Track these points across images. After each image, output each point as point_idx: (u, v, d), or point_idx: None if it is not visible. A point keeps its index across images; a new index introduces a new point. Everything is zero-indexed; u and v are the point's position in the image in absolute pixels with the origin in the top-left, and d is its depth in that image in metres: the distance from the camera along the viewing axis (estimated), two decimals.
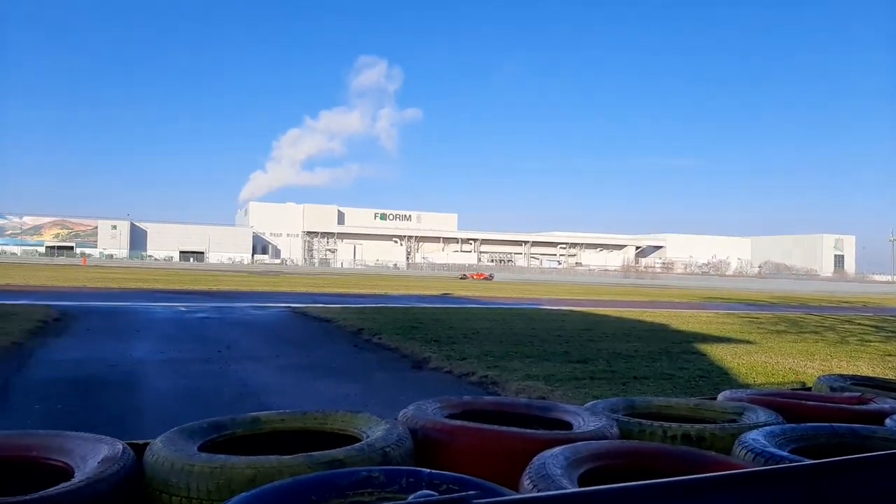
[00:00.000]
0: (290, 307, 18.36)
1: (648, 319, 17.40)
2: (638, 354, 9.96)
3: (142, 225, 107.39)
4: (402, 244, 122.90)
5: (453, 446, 1.76)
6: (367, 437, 1.76)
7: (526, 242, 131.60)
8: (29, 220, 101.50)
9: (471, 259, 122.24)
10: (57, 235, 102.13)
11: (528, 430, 1.83)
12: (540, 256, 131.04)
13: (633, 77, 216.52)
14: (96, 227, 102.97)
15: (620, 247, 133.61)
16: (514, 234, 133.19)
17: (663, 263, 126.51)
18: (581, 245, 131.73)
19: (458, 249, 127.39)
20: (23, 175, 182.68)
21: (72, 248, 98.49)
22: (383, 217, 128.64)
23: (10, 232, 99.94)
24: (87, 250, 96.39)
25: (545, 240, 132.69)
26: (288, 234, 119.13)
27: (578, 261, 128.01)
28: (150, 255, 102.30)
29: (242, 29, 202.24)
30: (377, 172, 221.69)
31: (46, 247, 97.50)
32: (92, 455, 1.50)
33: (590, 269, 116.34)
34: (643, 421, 2.06)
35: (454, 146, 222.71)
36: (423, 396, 2.28)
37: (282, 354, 9.67)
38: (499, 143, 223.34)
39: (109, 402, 6.32)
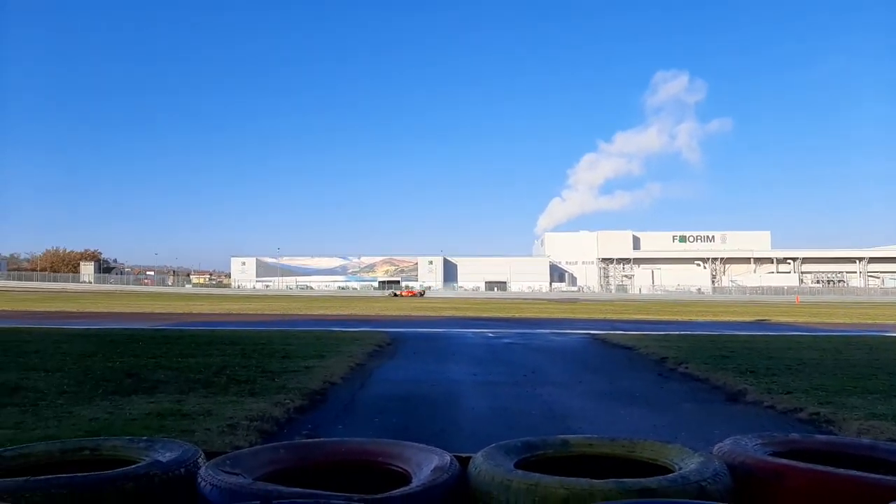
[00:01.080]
0: (589, 334, 18.41)
1: None
2: None
3: (453, 259, 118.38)
4: (705, 267, 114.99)
5: (779, 487, 1.58)
6: (680, 468, 1.68)
7: (861, 259, 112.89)
8: (365, 260, 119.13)
9: (790, 281, 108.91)
10: (386, 271, 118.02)
11: (875, 475, 1.56)
12: (881, 274, 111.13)
13: None
14: (416, 263, 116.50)
15: None
16: (844, 250, 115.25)
17: None
18: None
19: (774, 270, 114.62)
20: (361, 225, 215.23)
21: (398, 281, 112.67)
22: (682, 239, 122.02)
23: (351, 270, 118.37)
24: (411, 283, 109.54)
25: (887, 255, 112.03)
26: (583, 262, 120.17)
27: None
28: (460, 286, 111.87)
29: (529, 54, 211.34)
30: (679, 191, 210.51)
31: (379, 281, 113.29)
32: (426, 463, 1.69)
33: None
34: None
35: (765, 157, 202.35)
36: (739, 432, 2.10)
37: (584, 381, 9.72)
38: (815, 147, 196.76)
39: (433, 418, 7.02)
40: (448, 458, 1.71)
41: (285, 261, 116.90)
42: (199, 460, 1.67)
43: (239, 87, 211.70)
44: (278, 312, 31.12)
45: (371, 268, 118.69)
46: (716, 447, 1.89)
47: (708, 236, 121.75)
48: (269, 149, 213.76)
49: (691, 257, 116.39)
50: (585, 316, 30.03)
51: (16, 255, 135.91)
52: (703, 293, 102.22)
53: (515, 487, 1.50)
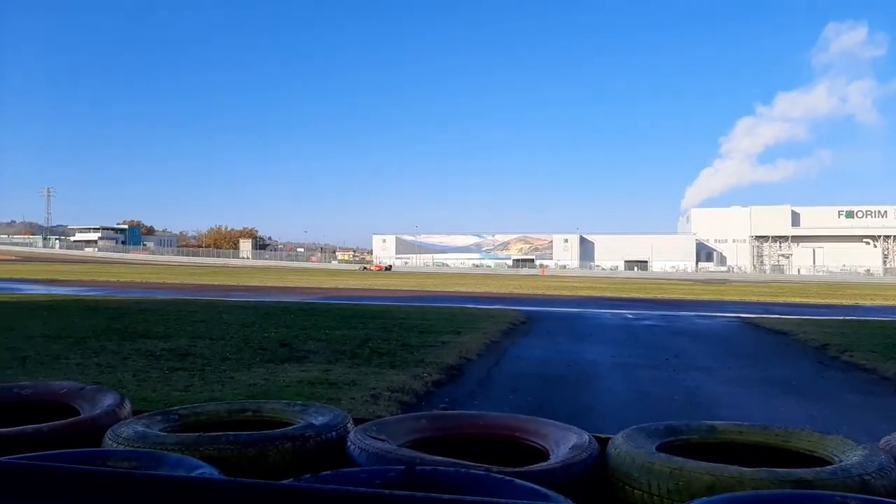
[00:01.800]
0: (739, 317, 17.32)
1: None
2: None
3: (590, 237, 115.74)
4: (875, 245, 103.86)
5: None
6: (840, 461, 1.55)
7: None
8: (500, 238, 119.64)
9: None
10: (520, 250, 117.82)
11: None
12: None
13: None
14: (551, 241, 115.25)
15: None
16: None
17: None
18: None
19: None
20: (496, 203, 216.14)
21: (532, 260, 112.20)
22: (849, 215, 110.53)
23: (485, 248, 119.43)
24: (545, 262, 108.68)
25: None
26: (734, 240, 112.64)
27: None
28: (597, 265, 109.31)
29: (674, 3, 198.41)
30: (849, 160, 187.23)
31: (513, 260, 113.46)
32: (563, 441, 1.69)
33: None
34: None
35: None
36: None
37: (732, 367, 9.18)
38: None
39: (569, 397, 6.97)
40: (587, 437, 1.69)
41: (423, 238, 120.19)
42: (349, 425, 1.77)
43: (381, 74, 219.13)
44: (416, 288, 32.15)
45: (505, 246, 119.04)
46: (883, 440, 1.72)
47: (880, 211, 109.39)
48: (411, 131, 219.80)
49: (859, 234, 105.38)
50: (735, 298, 28.27)
51: (184, 233, 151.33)
52: (872, 275, 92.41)
53: (657, 470, 1.46)
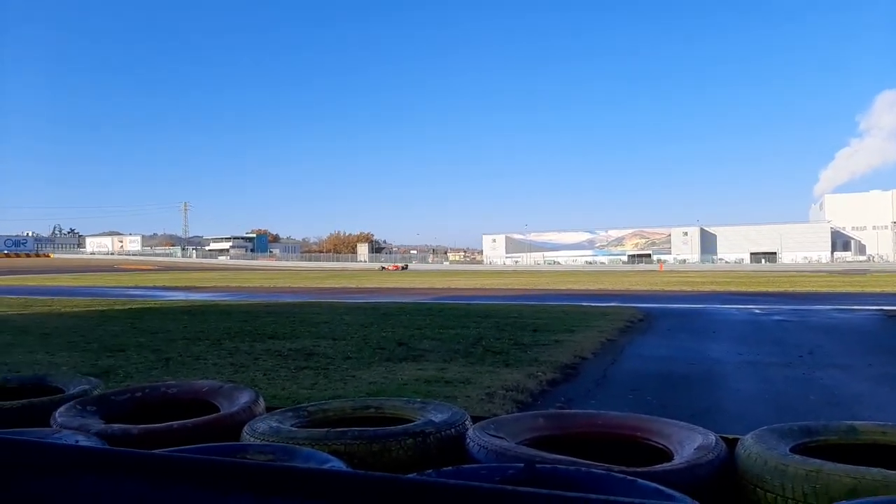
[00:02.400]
0: (882, 310, 15.86)
1: None
2: None
3: (711, 230, 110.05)
4: None
5: None
6: None
7: None
8: (613, 233, 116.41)
9: None
10: (636, 245, 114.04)
11: None
12: None
13: None
14: (669, 235, 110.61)
15: None
16: None
17: None
18: None
19: None
20: (608, 198, 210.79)
21: (649, 255, 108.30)
22: None
23: (598, 244, 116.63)
24: (663, 256, 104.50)
25: None
26: (874, 227, 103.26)
27: None
28: (720, 259, 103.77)
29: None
30: None
31: (628, 255, 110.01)
32: (688, 442, 1.63)
33: None
34: None
35: None
36: None
37: (874, 364, 8.43)
38: None
39: (692, 398, 6.67)
40: (713, 437, 1.62)
41: (533, 237, 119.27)
42: (467, 423, 1.81)
43: (492, 73, 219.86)
44: (527, 287, 31.96)
45: (619, 241, 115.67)
46: None
47: None
48: (521, 128, 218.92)
49: None
50: (877, 290, 25.89)
51: (307, 239, 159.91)
52: None
53: (792, 473, 1.37)
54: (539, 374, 7.38)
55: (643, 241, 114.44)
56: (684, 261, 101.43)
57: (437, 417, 1.83)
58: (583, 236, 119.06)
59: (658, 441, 1.74)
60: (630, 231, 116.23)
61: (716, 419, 5.65)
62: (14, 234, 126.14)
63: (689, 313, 16.57)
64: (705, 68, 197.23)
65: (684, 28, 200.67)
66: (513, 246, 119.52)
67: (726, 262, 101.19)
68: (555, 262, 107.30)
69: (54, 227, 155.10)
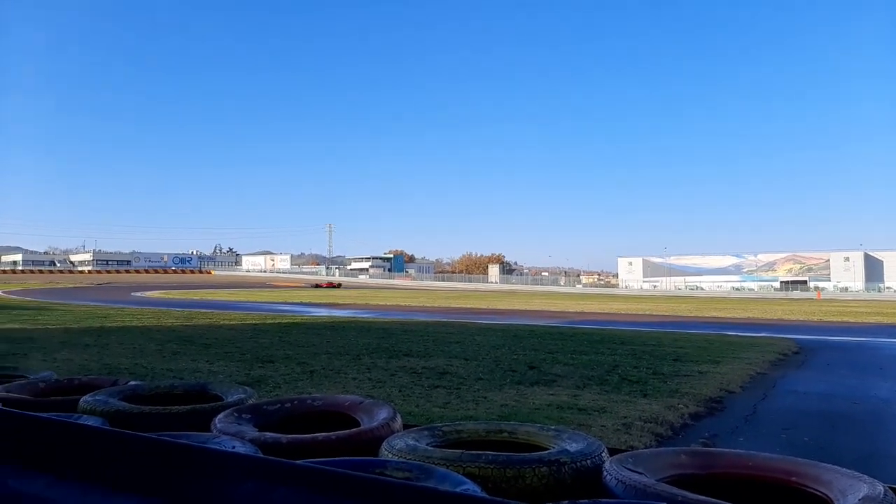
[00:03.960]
0: None
1: None
2: None
3: (876, 254, 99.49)
4: None
5: None
6: None
7: None
8: (763, 258, 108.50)
9: None
10: (790, 270, 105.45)
11: None
12: None
13: None
14: (828, 260, 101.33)
15: None
16: None
17: None
18: None
19: None
20: (757, 221, 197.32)
21: (805, 282, 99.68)
22: None
23: (746, 269, 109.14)
24: (820, 284, 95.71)
25: None
26: None
27: None
28: (888, 287, 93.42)
29: None
30: None
31: (780, 282, 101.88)
32: (851, 491, 1.48)
33: None
34: None
35: None
36: None
37: None
38: None
39: (855, 441, 6.03)
40: (881, 488, 1.46)
41: (672, 260, 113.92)
42: (603, 454, 1.75)
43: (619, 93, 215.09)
44: (666, 313, 30.52)
45: (770, 266, 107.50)
46: None
47: None
48: (661, 148, 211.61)
49: None
50: None
51: (440, 260, 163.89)
52: None
53: None
54: (680, 406, 7.01)
55: (798, 266, 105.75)
56: (846, 289, 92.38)
57: (573, 447, 1.79)
58: (728, 260, 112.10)
59: (816, 488, 1.59)
60: (783, 255, 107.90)
61: (884, 467, 5.06)
62: (181, 253, 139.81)
63: (851, 346, 15.03)
64: (862, 79, 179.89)
65: (844, 35, 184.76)
66: (651, 269, 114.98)
67: (895, 290, 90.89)
68: (697, 287, 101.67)
69: (215, 247, 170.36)
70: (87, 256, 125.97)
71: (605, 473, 1.61)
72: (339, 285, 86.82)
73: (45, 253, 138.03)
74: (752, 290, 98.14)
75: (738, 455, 1.81)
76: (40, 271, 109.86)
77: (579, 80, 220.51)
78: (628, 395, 7.65)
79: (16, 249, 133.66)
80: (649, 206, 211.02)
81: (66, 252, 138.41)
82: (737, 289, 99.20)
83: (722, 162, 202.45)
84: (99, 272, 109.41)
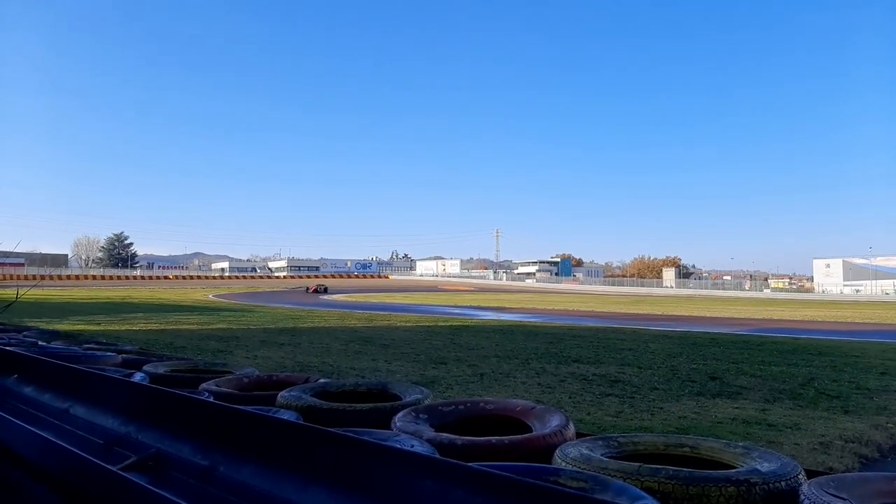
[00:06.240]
0: None
1: None
2: None
3: None
4: None
5: None
6: None
7: None
8: None
9: None
10: None
11: None
12: None
13: None
14: None
15: None
16: None
17: None
18: None
19: None
20: None
21: None
22: None
23: None
24: None
25: None
26: None
27: None
28: None
29: None
30: None
31: None
32: None
33: None
34: None
35: None
36: None
37: None
38: None
39: None
40: None
41: (879, 261, 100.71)
42: (800, 476, 1.60)
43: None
44: (871, 320, 27.11)
45: None
46: None
47: None
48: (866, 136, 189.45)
49: None
50: None
51: (609, 263, 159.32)
52: None
53: None
54: (890, 425, 6.19)
55: None
56: None
57: (764, 466, 1.66)
58: None
59: None
60: None
61: None
62: (362, 259, 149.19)
63: None
64: None
65: None
66: (852, 272, 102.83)
67: None
68: None
69: (392, 253, 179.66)
70: (283, 263, 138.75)
71: (802, 497, 1.46)
72: (325, 290, 69.04)
73: (248, 260, 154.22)
74: None
75: None
76: (243, 277, 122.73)
77: (771, 78, 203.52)
78: (826, 410, 6.91)
79: (224, 258, 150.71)
80: (851, 202, 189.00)
81: (265, 259, 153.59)
82: None
83: None
84: (292, 277, 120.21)
